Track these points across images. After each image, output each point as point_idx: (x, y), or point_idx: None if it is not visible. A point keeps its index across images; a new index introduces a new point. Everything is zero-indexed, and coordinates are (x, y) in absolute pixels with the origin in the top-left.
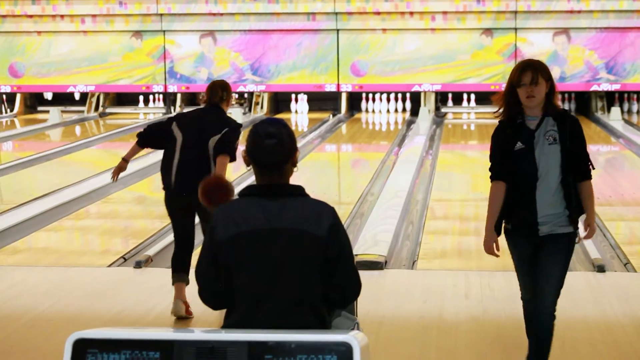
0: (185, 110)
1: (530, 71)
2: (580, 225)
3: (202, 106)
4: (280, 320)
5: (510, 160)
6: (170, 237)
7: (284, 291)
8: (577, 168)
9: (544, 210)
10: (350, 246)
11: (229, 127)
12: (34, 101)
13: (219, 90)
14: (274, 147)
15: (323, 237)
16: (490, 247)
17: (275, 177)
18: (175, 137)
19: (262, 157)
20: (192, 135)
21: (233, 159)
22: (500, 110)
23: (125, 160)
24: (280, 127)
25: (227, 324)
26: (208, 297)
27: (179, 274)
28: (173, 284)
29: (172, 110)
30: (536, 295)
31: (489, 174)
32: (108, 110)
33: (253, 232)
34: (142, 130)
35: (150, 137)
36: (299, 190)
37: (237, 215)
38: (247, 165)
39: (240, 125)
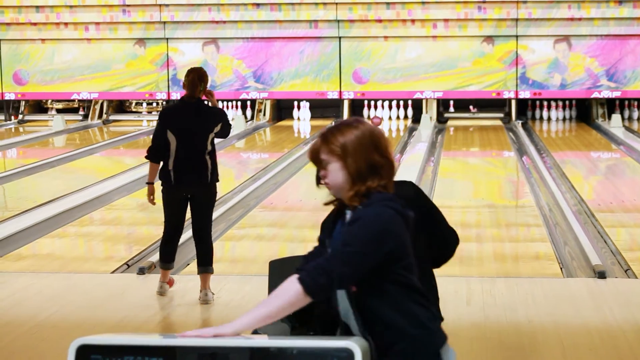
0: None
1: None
2: None
3: (183, 100)
4: None
5: None
6: None
7: None
8: None
9: None
10: None
11: (222, 120)
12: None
13: (198, 84)
14: None
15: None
16: None
17: None
18: (169, 140)
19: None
20: (185, 137)
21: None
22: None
23: (151, 184)
24: None
25: None
26: None
27: (170, 264)
28: (162, 269)
29: None
30: None
31: (491, 180)
32: (112, 117)
33: None
34: (149, 148)
35: (160, 150)
36: None
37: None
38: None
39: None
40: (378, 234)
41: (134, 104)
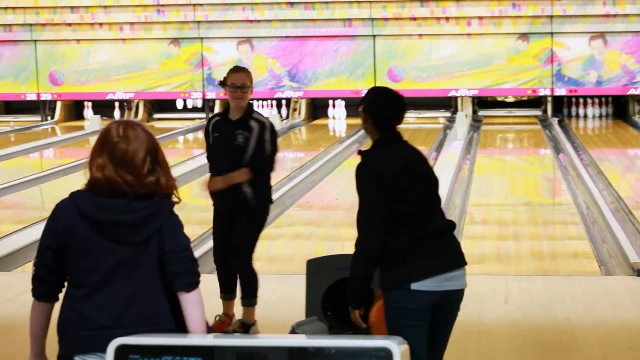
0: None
1: None
2: None
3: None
4: None
5: None
6: (209, 244)
7: None
8: None
9: None
10: None
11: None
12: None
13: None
14: None
15: None
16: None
17: None
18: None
19: None
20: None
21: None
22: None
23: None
24: None
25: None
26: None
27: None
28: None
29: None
30: None
31: (527, 178)
32: (156, 116)
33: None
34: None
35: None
36: None
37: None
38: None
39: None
40: (46, 227)
41: None
